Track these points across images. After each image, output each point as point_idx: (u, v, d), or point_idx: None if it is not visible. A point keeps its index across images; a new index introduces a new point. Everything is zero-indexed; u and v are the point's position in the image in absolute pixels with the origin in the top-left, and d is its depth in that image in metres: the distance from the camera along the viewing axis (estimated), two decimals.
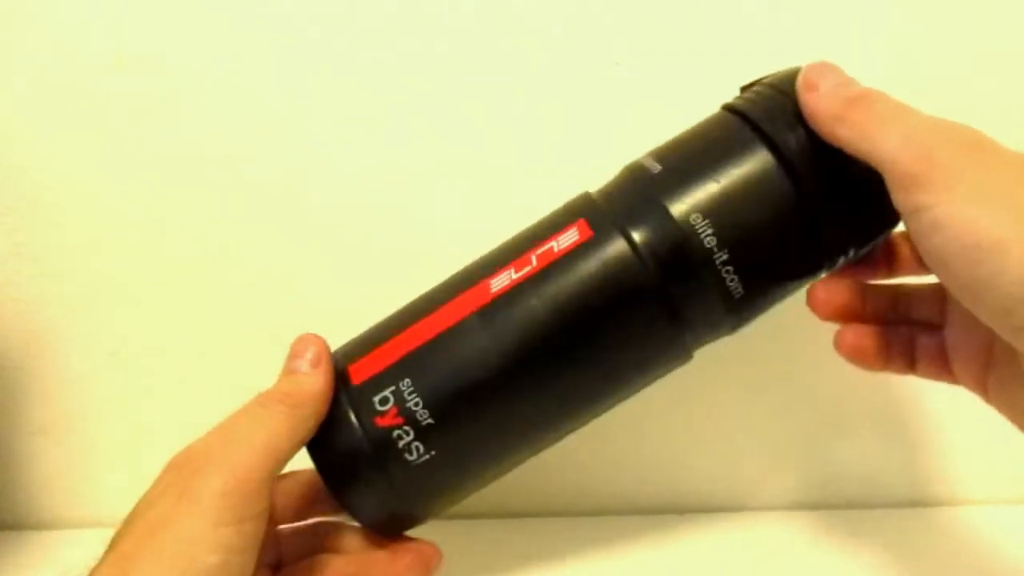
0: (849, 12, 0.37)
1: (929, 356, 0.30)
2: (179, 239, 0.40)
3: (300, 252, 0.40)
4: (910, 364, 0.30)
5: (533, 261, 0.28)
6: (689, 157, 0.28)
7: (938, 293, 0.30)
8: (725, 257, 0.27)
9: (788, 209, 0.27)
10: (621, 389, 0.30)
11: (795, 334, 0.41)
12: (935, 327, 0.30)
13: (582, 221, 0.29)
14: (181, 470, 0.27)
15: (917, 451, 0.42)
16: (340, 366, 0.30)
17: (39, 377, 0.41)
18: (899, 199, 0.24)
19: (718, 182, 0.27)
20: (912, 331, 0.30)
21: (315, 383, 0.28)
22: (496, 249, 0.31)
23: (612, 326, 0.28)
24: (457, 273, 0.31)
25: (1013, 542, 0.38)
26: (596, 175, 0.39)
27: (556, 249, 0.28)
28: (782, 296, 0.29)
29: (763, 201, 0.27)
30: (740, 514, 0.42)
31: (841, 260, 0.28)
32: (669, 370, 0.30)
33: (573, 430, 0.31)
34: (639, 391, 0.30)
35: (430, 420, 0.28)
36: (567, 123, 0.38)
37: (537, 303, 0.28)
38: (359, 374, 0.29)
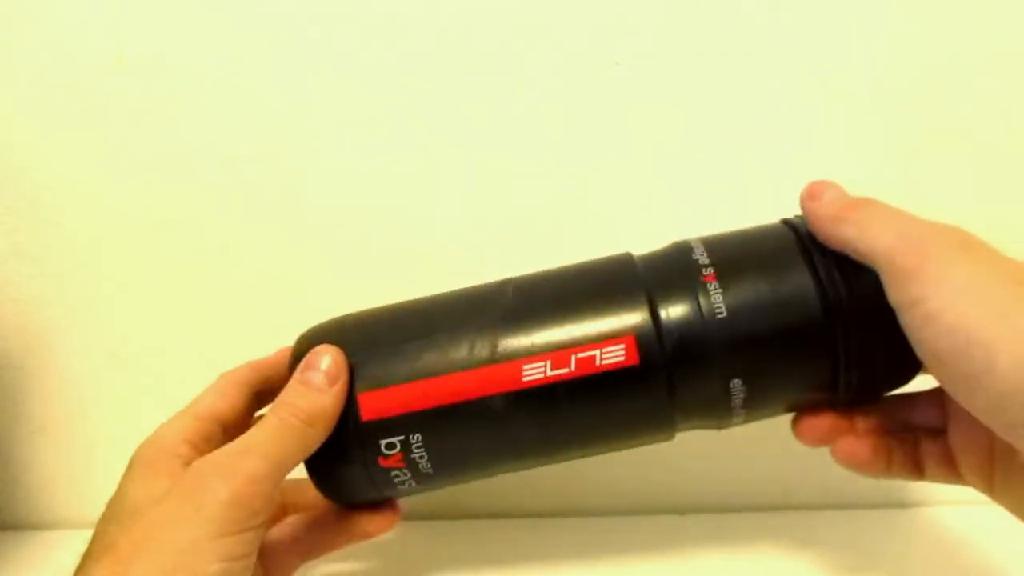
0: (849, 12, 0.37)
1: (936, 460, 0.30)
2: (179, 239, 0.40)
3: (300, 252, 0.40)
4: (917, 470, 0.30)
5: (572, 364, 0.28)
6: (756, 317, 0.28)
7: (937, 397, 0.30)
8: (742, 402, 0.28)
9: (816, 354, 0.28)
10: (606, 452, 0.32)
11: None
12: (938, 431, 0.30)
13: (631, 340, 0.28)
14: (188, 473, 0.27)
15: None
16: (351, 386, 0.29)
17: (39, 377, 0.41)
18: (894, 293, 0.25)
19: (770, 355, 0.28)
20: (915, 437, 0.30)
21: (333, 404, 0.28)
22: (536, 308, 0.29)
23: (621, 433, 0.30)
24: (487, 314, 0.29)
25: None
26: (597, 175, 0.39)
27: (598, 362, 0.28)
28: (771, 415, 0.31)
29: (797, 363, 0.28)
30: (740, 514, 0.42)
31: (842, 396, 0.29)
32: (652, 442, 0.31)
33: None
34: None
35: (430, 471, 0.29)
36: (567, 123, 0.38)
37: (563, 409, 0.28)
38: (370, 409, 0.28)
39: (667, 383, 0.28)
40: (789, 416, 0.44)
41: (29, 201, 0.39)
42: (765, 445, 0.42)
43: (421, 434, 0.28)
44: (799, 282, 0.27)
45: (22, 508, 0.42)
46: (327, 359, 0.28)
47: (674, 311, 0.28)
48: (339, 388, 0.28)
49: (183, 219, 0.39)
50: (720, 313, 0.27)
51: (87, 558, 0.27)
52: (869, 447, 0.30)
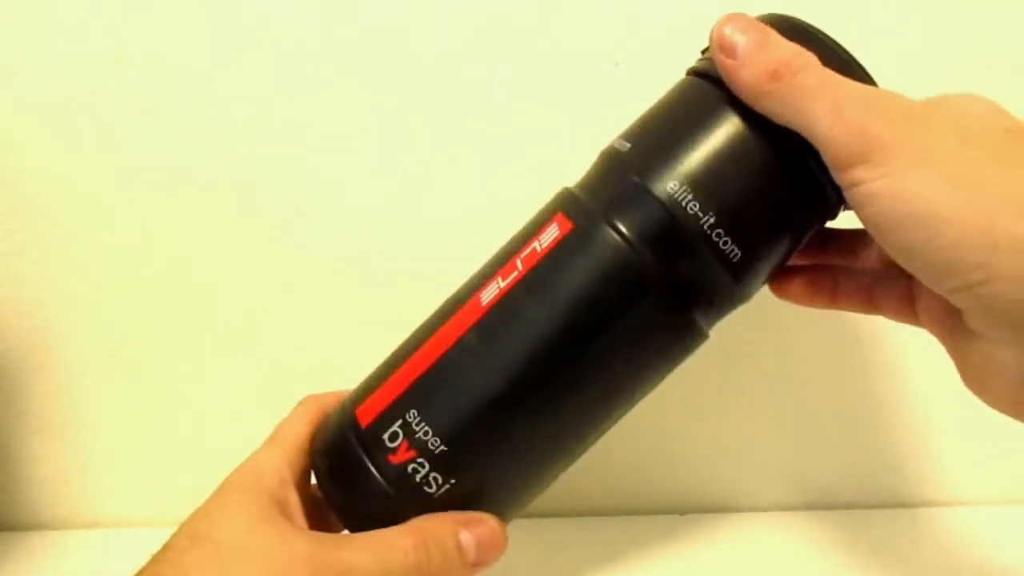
0: (850, 13, 0.37)
1: (893, 297, 0.29)
2: (179, 239, 0.40)
3: (301, 252, 0.40)
4: (870, 304, 0.30)
5: (519, 265, 0.27)
6: (658, 129, 0.27)
7: None
8: (712, 220, 0.26)
9: (767, 162, 0.26)
10: (640, 382, 0.28)
11: (796, 334, 0.41)
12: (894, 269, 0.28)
13: (560, 215, 0.27)
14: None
15: (918, 451, 0.42)
16: (349, 412, 0.29)
17: (39, 377, 0.41)
18: (836, 176, 0.24)
19: (691, 148, 0.26)
20: (874, 276, 0.30)
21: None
22: (485, 264, 0.30)
23: (613, 317, 0.26)
24: (449, 297, 0.30)
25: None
26: None
27: (539, 248, 0.27)
28: (783, 252, 0.28)
29: (740, 157, 0.26)
30: (740, 514, 0.42)
31: (835, 201, 0.27)
32: (687, 353, 0.29)
33: (602, 432, 0.29)
34: (661, 380, 0.29)
35: (443, 447, 0.26)
36: (568, 123, 0.38)
37: (531, 307, 0.26)
38: (366, 415, 0.28)
39: (608, 224, 0.26)
40: (790, 416, 0.44)
41: (29, 201, 0.39)
42: (765, 445, 0.42)
43: (415, 408, 0.27)
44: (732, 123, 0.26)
45: (22, 508, 0.42)
46: (492, 534, 0.28)
47: (595, 179, 0.28)
48: (481, 568, 0.27)
49: (183, 219, 0.39)
50: (625, 149, 0.27)
51: (153, 559, 0.26)
52: (806, 278, 0.30)
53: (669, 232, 0.26)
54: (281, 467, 0.28)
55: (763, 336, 0.41)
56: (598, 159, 0.29)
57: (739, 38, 0.25)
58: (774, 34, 0.25)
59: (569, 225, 0.27)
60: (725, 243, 0.26)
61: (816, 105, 0.23)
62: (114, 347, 0.41)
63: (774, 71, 0.24)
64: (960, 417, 0.41)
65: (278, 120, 0.39)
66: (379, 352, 0.40)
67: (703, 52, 0.29)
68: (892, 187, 0.22)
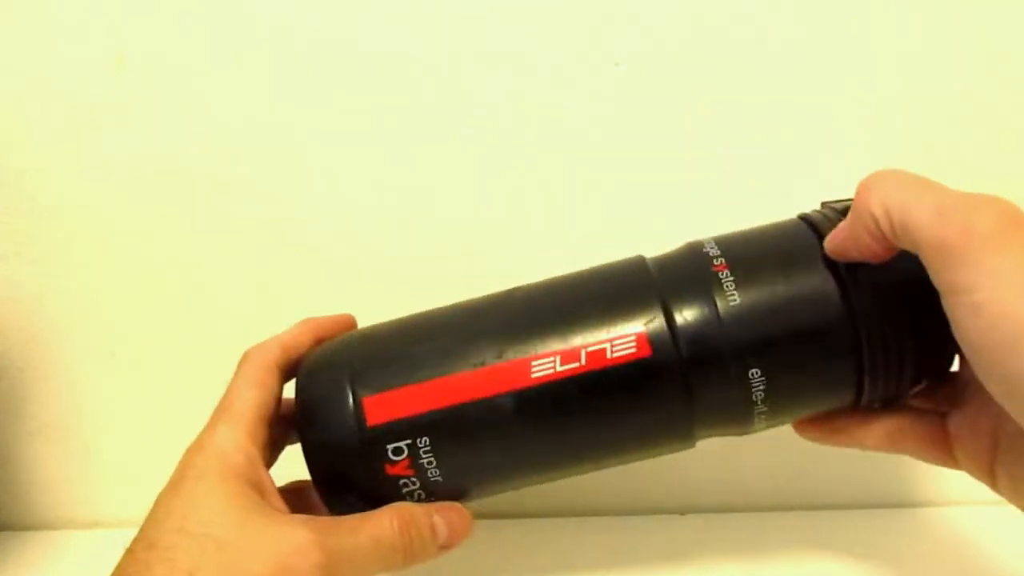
0: (851, 14, 0.37)
1: (929, 441, 0.29)
2: (179, 240, 0.40)
3: (301, 251, 0.40)
4: (898, 446, 0.30)
5: (582, 359, 0.27)
6: (769, 305, 0.27)
7: (950, 382, 0.28)
8: (765, 410, 0.27)
9: (842, 360, 0.26)
10: (623, 462, 0.30)
11: None
12: (937, 413, 0.29)
13: (642, 334, 0.27)
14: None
15: None
16: (354, 390, 0.28)
17: (39, 377, 0.41)
18: (937, 276, 0.22)
19: (784, 333, 0.26)
20: (905, 413, 0.29)
21: (432, 557, 0.29)
22: (548, 303, 0.29)
23: (638, 438, 0.29)
24: (498, 318, 0.29)
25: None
26: (597, 175, 0.39)
27: (608, 355, 0.27)
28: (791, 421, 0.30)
29: (817, 354, 0.27)
30: (740, 514, 0.42)
31: (868, 405, 0.28)
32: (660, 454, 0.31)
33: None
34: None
35: (439, 478, 0.28)
36: (567, 123, 0.38)
37: (575, 408, 0.27)
38: (375, 414, 0.27)
39: (682, 378, 0.27)
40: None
41: (29, 201, 0.39)
42: (765, 445, 0.42)
43: (429, 437, 0.27)
44: (818, 280, 0.26)
45: (22, 508, 0.42)
46: (461, 519, 0.29)
47: (686, 307, 0.27)
48: (447, 550, 0.29)
49: (183, 219, 0.39)
50: (734, 303, 0.27)
51: (135, 557, 0.25)
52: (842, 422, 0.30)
53: (730, 405, 0.27)
54: (247, 445, 0.27)
55: None
56: (700, 282, 0.28)
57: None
58: None
59: (647, 352, 0.27)
60: (760, 415, 0.28)
61: (920, 199, 0.23)
62: (114, 347, 0.41)
63: (889, 218, 0.24)
64: None
65: (278, 121, 0.39)
66: None
67: (824, 204, 0.29)
68: (999, 302, 0.21)
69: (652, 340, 0.27)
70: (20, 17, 0.37)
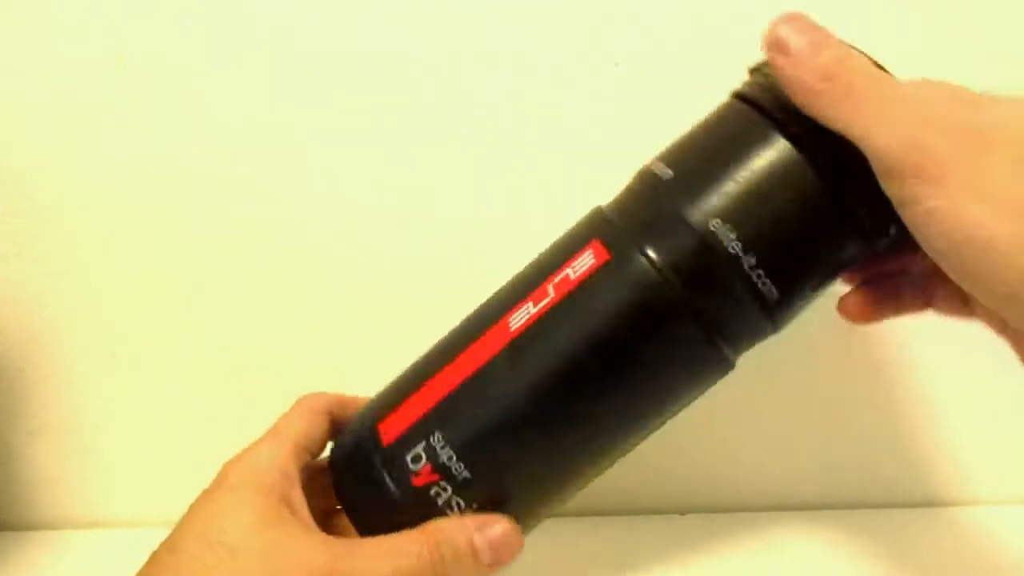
0: (850, 14, 0.37)
1: (950, 296, 0.29)
2: (179, 240, 0.40)
3: (301, 253, 0.40)
4: (926, 303, 0.29)
5: (551, 292, 0.26)
6: (701, 157, 0.27)
7: None
8: (753, 261, 0.25)
9: (813, 200, 0.25)
10: (664, 410, 0.28)
11: (798, 335, 0.41)
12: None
13: (596, 242, 0.27)
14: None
15: (919, 451, 0.42)
16: (369, 425, 0.28)
17: (39, 377, 0.41)
18: (888, 188, 0.23)
19: (735, 181, 0.25)
20: (928, 277, 0.29)
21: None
22: (511, 281, 0.29)
23: (643, 351, 0.26)
24: (474, 312, 0.29)
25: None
26: (596, 175, 0.39)
27: (573, 276, 0.26)
28: (822, 288, 0.27)
29: (786, 195, 0.25)
30: (740, 514, 0.42)
31: (880, 242, 0.26)
32: (712, 383, 0.28)
33: (625, 453, 0.29)
34: (688, 404, 0.29)
35: (467, 474, 0.26)
36: (567, 123, 0.38)
37: (561, 336, 0.26)
38: (389, 433, 0.27)
39: (648, 260, 0.25)
40: (791, 417, 0.44)
41: (29, 201, 0.39)
42: (766, 445, 0.42)
43: (440, 431, 0.26)
44: (754, 127, 0.25)
45: (22, 508, 0.42)
46: (506, 536, 0.27)
47: (632, 208, 0.27)
48: (496, 569, 0.27)
49: (183, 219, 0.39)
50: (670, 177, 0.26)
51: (157, 559, 0.25)
52: (866, 295, 0.29)
53: (708, 270, 0.25)
54: (285, 462, 0.28)
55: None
56: (636, 182, 0.28)
57: (794, 37, 0.24)
58: (829, 34, 0.24)
59: (605, 255, 0.26)
60: (764, 283, 0.25)
61: (869, 114, 0.22)
62: (114, 347, 0.41)
63: (826, 71, 0.23)
64: (968, 415, 0.41)
65: (278, 121, 0.39)
66: (378, 352, 0.41)
67: (750, 72, 0.28)
68: (949, 211, 0.21)
69: (608, 244, 0.26)
70: (20, 17, 0.37)
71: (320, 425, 0.30)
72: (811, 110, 0.24)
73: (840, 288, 0.30)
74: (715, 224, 0.25)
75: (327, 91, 0.38)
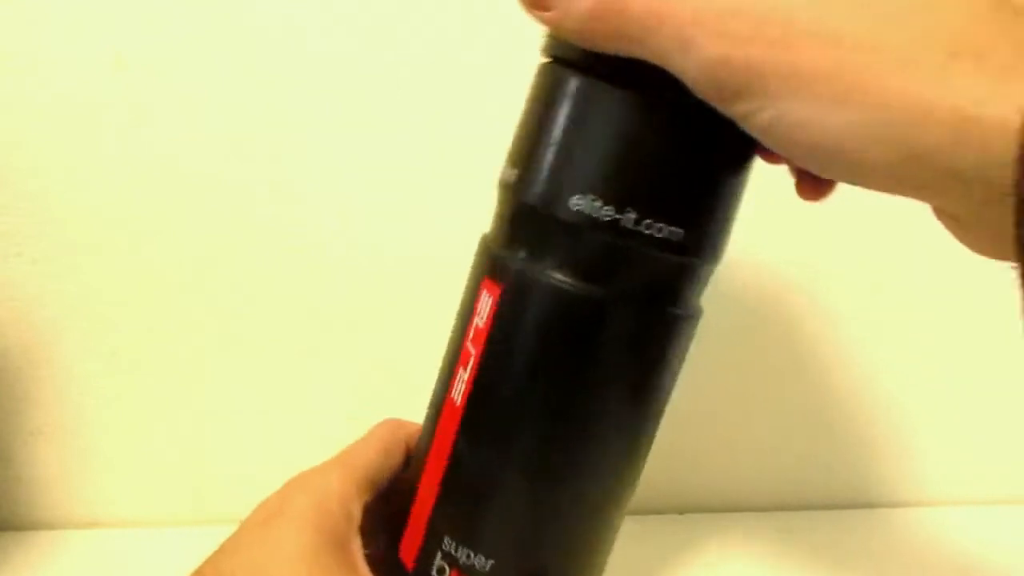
0: None
1: None
2: (179, 240, 0.40)
3: (301, 253, 0.40)
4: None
5: (471, 349, 0.25)
6: (532, 139, 0.24)
7: None
8: (634, 216, 0.22)
9: (654, 126, 0.22)
10: (655, 399, 0.26)
11: (798, 335, 0.41)
12: None
13: (486, 280, 0.25)
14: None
15: (905, 453, 0.42)
16: (393, 557, 0.27)
17: (39, 377, 0.41)
18: (716, 106, 0.20)
19: (573, 147, 0.23)
20: None
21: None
22: (444, 354, 0.27)
23: (593, 358, 0.24)
24: (431, 398, 0.28)
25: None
26: None
27: (481, 324, 0.25)
28: (731, 193, 0.25)
29: (626, 135, 0.22)
30: (740, 514, 0.42)
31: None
32: (689, 341, 0.26)
33: (648, 449, 0.28)
34: (680, 367, 0.27)
35: (492, 562, 0.25)
36: None
37: (503, 392, 0.24)
38: (408, 555, 0.27)
39: (533, 272, 0.23)
40: (789, 417, 0.44)
41: (29, 201, 0.39)
42: (766, 445, 0.42)
43: (448, 535, 0.25)
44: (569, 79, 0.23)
45: (22, 508, 0.42)
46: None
47: (502, 224, 0.25)
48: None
49: (183, 220, 0.39)
50: (514, 175, 0.24)
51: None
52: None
53: (600, 252, 0.23)
54: (351, 499, 0.26)
55: (770, 334, 0.41)
56: (497, 196, 0.26)
57: None
58: None
59: (498, 289, 0.24)
60: (660, 230, 0.23)
61: (659, 36, 0.20)
62: (114, 347, 0.41)
63: (593, 8, 0.20)
64: (945, 419, 0.42)
65: (278, 120, 0.39)
66: (380, 352, 0.41)
67: None
68: (778, 122, 0.19)
69: (495, 276, 0.25)
70: (20, 17, 0.37)
71: (395, 458, 0.29)
72: (605, 51, 0.21)
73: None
74: (577, 202, 0.23)
75: (327, 91, 0.38)
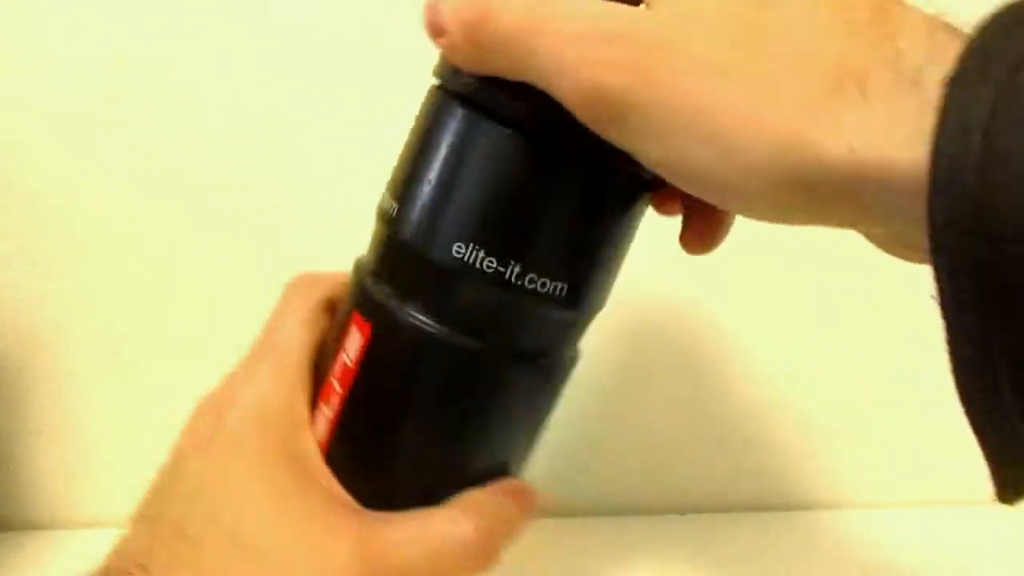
0: None
1: None
2: (180, 239, 0.40)
3: (302, 253, 0.40)
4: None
5: (336, 388, 0.24)
6: (415, 172, 0.22)
7: None
8: (518, 269, 0.21)
9: (539, 170, 0.21)
10: (531, 440, 0.25)
11: (797, 335, 0.41)
12: None
13: (356, 316, 0.23)
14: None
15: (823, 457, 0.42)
16: None
17: (39, 377, 0.41)
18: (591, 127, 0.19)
19: (454, 186, 0.21)
20: None
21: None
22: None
23: (465, 414, 0.23)
24: None
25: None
26: None
27: (350, 363, 0.23)
28: (621, 254, 0.24)
29: (511, 178, 0.21)
30: (740, 514, 0.42)
31: (640, 183, 0.23)
32: (564, 386, 0.25)
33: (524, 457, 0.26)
34: (549, 418, 0.26)
35: None
36: None
37: (369, 441, 0.23)
38: None
39: (407, 315, 0.22)
40: (788, 417, 0.44)
41: (29, 202, 0.39)
42: (765, 446, 0.42)
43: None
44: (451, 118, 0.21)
45: (22, 508, 0.42)
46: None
47: (379, 257, 0.24)
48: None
49: (184, 219, 0.39)
50: (395, 211, 0.22)
51: (174, 556, 0.22)
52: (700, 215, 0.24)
53: (477, 303, 0.22)
54: (293, 398, 0.24)
55: (769, 334, 0.41)
56: (376, 223, 0.25)
57: (439, 6, 0.21)
58: None
59: (368, 327, 0.23)
60: (544, 284, 0.22)
61: (534, 56, 0.18)
62: (114, 347, 0.41)
63: (464, 24, 0.19)
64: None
65: (279, 120, 0.39)
66: None
67: None
68: (663, 155, 0.18)
69: (366, 314, 0.23)
70: (20, 17, 0.37)
71: (320, 325, 0.26)
72: (484, 72, 0.20)
73: None
74: (458, 250, 0.21)
75: (327, 90, 0.38)
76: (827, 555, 0.38)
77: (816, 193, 0.17)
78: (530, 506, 0.25)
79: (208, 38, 0.38)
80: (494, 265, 0.21)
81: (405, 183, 0.23)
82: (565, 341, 0.24)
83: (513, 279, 0.21)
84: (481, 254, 0.21)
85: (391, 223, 0.23)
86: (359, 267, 0.25)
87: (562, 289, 0.22)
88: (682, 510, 0.42)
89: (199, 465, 0.23)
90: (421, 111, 0.24)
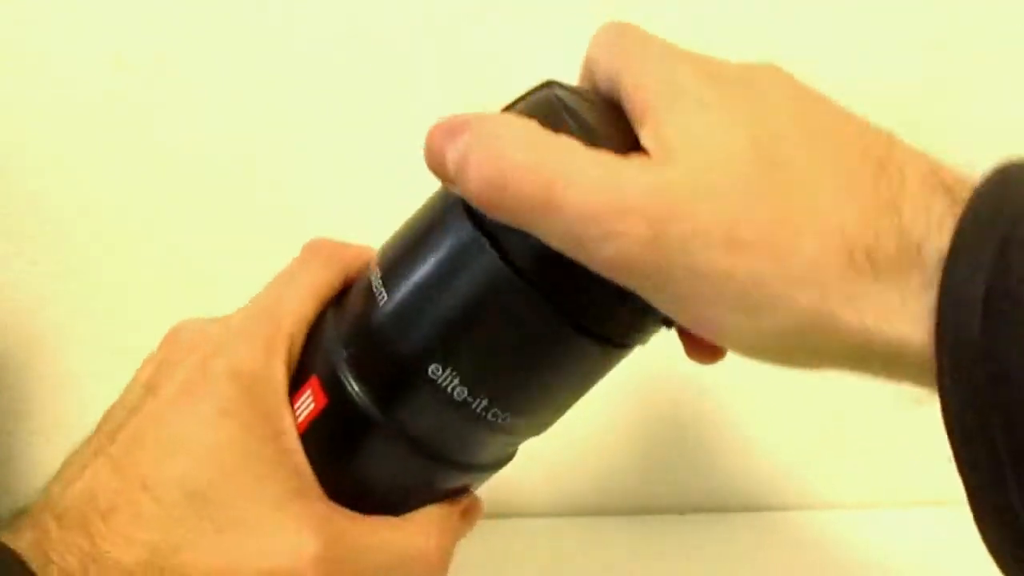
0: (847, 12, 0.37)
1: None
2: (180, 239, 0.40)
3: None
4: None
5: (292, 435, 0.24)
6: (409, 271, 0.22)
7: None
8: (485, 403, 0.21)
9: (536, 320, 0.20)
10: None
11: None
12: None
13: (315, 381, 0.23)
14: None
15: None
16: None
17: (40, 377, 0.41)
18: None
19: (445, 306, 0.21)
20: None
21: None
22: None
23: (416, 488, 0.24)
24: None
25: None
26: None
27: (298, 420, 0.23)
28: (575, 396, 0.24)
29: (503, 317, 0.21)
30: (740, 514, 0.42)
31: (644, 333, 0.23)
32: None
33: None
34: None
35: None
36: None
37: (336, 448, 0.23)
38: None
39: (367, 408, 0.22)
40: (788, 418, 0.44)
41: (29, 202, 0.39)
42: (765, 445, 0.42)
43: None
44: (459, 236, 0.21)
45: (22, 508, 0.42)
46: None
47: (350, 326, 0.23)
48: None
49: (184, 219, 0.39)
50: (383, 301, 0.22)
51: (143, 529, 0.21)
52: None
53: (431, 415, 0.22)
54: (282, 377, 0.24)
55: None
56: (358, 295, 0.24)
57: (445, 150, 0.21)
58: (478, 121, 0.20)
59: (324, 400, 0.23)
60: (506, 418, 0.22)
61: (551, 227, 0.18)
62: (115, 347, 0.41)
63: (480, 184, 0.19)
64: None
65: (279, 120, 0.39)
66: None
67: None
68: (682, 312, 0.19)
69: (326, 386, 0.23)
70: (20, 17, 0.37)
71: (327, 297, 0.26)
72: (501, 221, 0.19)
73: None
74: (434, 370, 0.21)
75: (327, 90, 0.38)
76: (826, 555, 0.38)
77: (828, 355, 0.18)
78: (475, 521, 0.26)
79: (208, 38, 0.38)
80: (464, 395, 0.21)
81: (396, 271, 0.22)
82: (497, 453, 0.25)
83: (479, 410, 0.22)
84: (456, 380, 0.21)
85: (377, 309, 0.22)
86: (326, 319, 0.25)
87: (519, 422, 0.23)
88: (682, 510, 0.42)
89: (176, 412, 0.23)
90: (432, 200, 0.24)
